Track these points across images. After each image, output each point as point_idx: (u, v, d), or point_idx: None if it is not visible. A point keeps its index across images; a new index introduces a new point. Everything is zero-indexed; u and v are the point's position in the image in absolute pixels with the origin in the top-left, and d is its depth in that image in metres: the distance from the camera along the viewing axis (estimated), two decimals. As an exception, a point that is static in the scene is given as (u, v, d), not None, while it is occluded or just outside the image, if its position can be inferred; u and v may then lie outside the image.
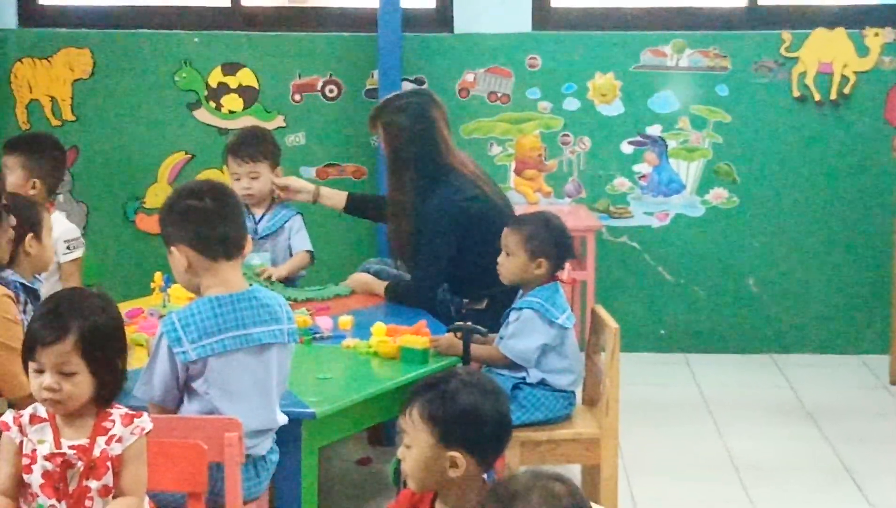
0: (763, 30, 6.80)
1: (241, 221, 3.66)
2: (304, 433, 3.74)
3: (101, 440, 3.02)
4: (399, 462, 4.12)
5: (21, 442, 3.01)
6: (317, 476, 3.84)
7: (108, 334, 3.05)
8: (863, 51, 6.73)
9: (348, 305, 4.95)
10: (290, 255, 5.33)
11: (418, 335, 4.25)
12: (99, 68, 6.85)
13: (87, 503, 3.01)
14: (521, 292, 4.46)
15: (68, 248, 5.10)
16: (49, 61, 6.85)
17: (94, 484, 3.00)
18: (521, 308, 4.38)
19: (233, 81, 6.86)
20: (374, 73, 6.75)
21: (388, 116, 5.08)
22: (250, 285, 3.65)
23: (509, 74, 6.80)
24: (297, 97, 6.85)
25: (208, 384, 3.49)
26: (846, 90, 6.74)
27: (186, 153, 6.89)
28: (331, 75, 6.83)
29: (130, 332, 4.26)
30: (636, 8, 6.96)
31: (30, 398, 3.15)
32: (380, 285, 5.09)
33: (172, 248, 3.57)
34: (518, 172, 6.72)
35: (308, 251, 5.33)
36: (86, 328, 2.99)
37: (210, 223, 3.55)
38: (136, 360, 3.91)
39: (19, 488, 3.02)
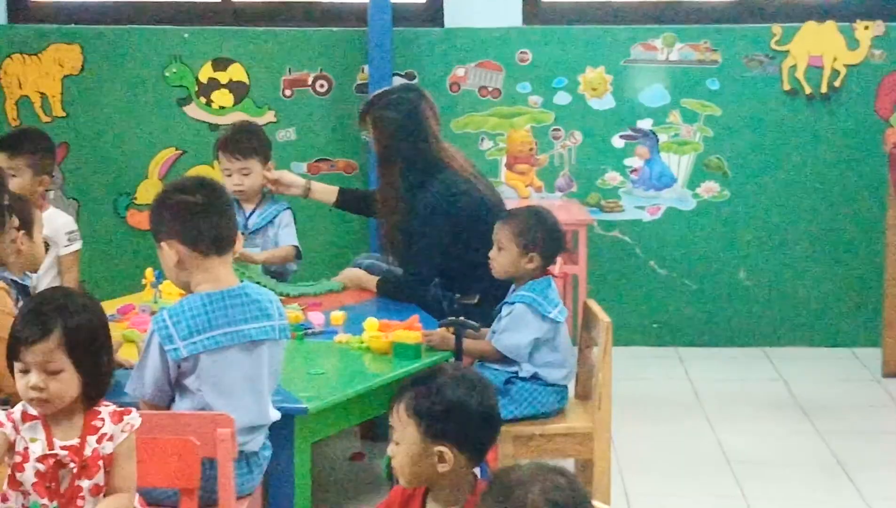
0: (753, 23, 6.81)
1: (231, 217, 3.65)
2: (297, 428, 3.74)
3: (91, 440, 3.01)
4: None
5: (14, 440, 3.00)
6: (310, 472, 3.84)
7: (93, 331, 3.04)
8: (853, 44, 6.73)
9: (340, 300, 4.95)
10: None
11: (410, 330, 4.25)
12: (89, 64, 6.84)
13: (80, 502, 3.00)
14: (513, 286, 4.46)
15: (69, 240, 5.13)
16: (39, 57, 6.84)
17: (85, 484, 3.00)
18: (513, 303, 4.38)
19: (223, 77, 6.85)
20: (364, 68, 6.74)
21: (378, 112, 5.08)
22: (241, 281, 3.64)
23: (500, 69, 6.79)
24: (288, 92, 6.84)
25: (200, 381, 3.49)
26: (836, 83, 6.75)
27: (177, 149, 6.88)
28: (321, 70, 6.82)
29: (122, 328, 4.27)
30: (626, 2, 6.96)
31: None
32: (371, 281, 5.09)
33: (163, 243, 3.57)
34: (509, 167, 6.72)
35: (294, 247, 5.32)
36: (70, 326, 2.98)
37: (201, 219, 3.54)
38: (128, 355, 3.91)
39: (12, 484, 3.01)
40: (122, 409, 3.08)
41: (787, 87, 6.76)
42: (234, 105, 6.85)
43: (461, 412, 2.86)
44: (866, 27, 6.71)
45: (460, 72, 6.80)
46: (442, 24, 6.83)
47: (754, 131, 6.80)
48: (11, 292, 4.07)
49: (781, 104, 6.78)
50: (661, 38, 6.77)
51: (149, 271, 4.90)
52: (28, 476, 2.99)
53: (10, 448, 3.00)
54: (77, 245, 5.16)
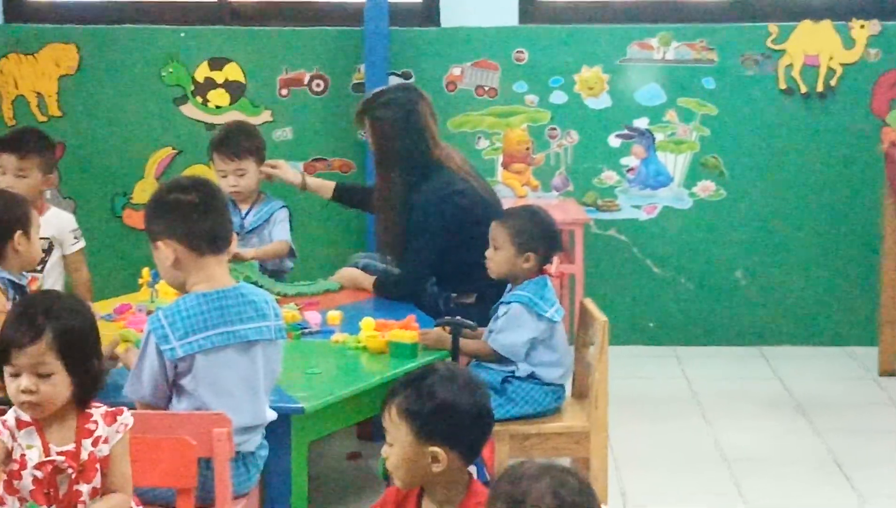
0: (749, 22, 6.81)
1: (227, 216, 3.65)
2: (294, 428, 3.74)
3: (86, 443, 3.01)
4: (388, 456, 4.13)
5: (11, 447, 2.99)
6: (306, 471, 3.84)
7: (83, 333, 3.04)
8: (849, 43, 6.74)
9: (337, 300, 4.95)
10: None
11: (407, 330, 4.25)
12: (85, 64, 6.84)
13: (80, 507, 2.99)
14: (509, 286, 4.46)
15: (75, 239, 5.18)
16: (35, 57, 6.83)
17: (84, 488, 2.99)
18: (509, 303, 4.38)
19: (219, 76, 6.84)
20: (360, 67, 6.74)
21: (374, 111, 5.08)
22: (238, 281, 3.64)
23: (496, 68, 6.79)
24: (284, 92, 6.84)
25: (196, 381, 3.48)
26: (832, 82, 6.75)
27: (173, 149, 6.88)
28: (317, 70, 6.82)
29: (119, 328, 4.26)
30: (623, 1, 6.97)
31: None
32: (368, 280, 5.09)
33: (159, 243, 3.56)
34: (505, 166, 6.72)
35: (286, 243, 5.31)
36: (60, 328, 2.98)
37: (197, 217, 3.54)
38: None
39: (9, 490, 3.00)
40: (113, 409, 3.08)
41: (783, 86, 6.76)
42: (230, 105, 6.85)
43: (453, 413, 2.85)
44: (862, 26, 6.71)
45: (456, 71, 6.80)
46: (438, 24, 6.83)
47: (751, 130, 6.80)
48: (9, 292, 4.07)
49: (778, 103, 6.78)
50: (657, 37, 6.77)
51: (145, 271, 4.90)
52: (26, 482, 2.97)
53: (7, 455, 2.99)
54: (82, 243, 5.23)
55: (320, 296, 5.00)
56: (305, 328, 4.45)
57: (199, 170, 6.56)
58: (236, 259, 4.98)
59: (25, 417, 3.01)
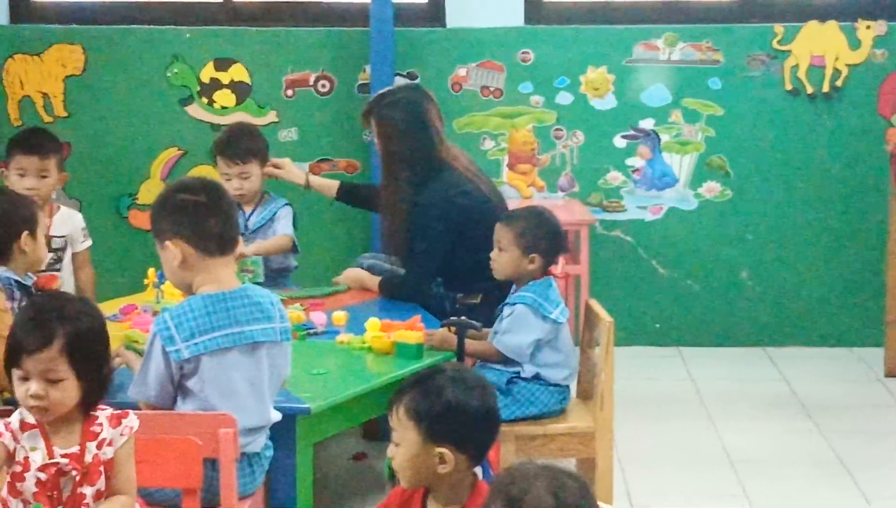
0: (755, 23, 6.81)
1: (234, 218, 3.66)
2: (299, 428, 3.74)
3: (91, 446, 3.00)
4: (393, 457, 4.13)
5: (14, 449, 2.98)
6: (311, 472, 3.84)
7: (94, 338, 3.02)
8: (855, 44, 6.73)
9: (342, 300, 4.95)
10: None
11: (412, 330, 4.25)
12: (91, 65, 6.84)
13: None
14: (514, 287, 4.46)
15: (84, 237, 5.24)
16: (41, 58, 6.84)
17: (88, 490, 2.98)
18: (514, 304, 4.38)
19: (225, 77, 6.85)
20: (366, 67, 6.74)
21: (380, 112, 5.08)
22: (242, 282, 3.65)
23: (502, 69, 6.79)
24: (290, 92, 6.84)
25: (202, 382, 3.48)
26: (838, 83, 6.75)
27: (179, 149, 6.89)
28: (323, 70, 6.82)
29: (124, 328, 4.27)
30: (628, 1, 6.96)
31: None
32: (373, 281, 5.09)
33: (167, 242, 3.56)
34: (511, 167, 6.72)
35: (288, 237, 5.31)
36: (71, 334, 2.96)
37: (206, 218, 3.54)
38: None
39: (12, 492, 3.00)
40: (119, 412, 3.07)
41: (788, 86, 6.76)
42: (235, 105, 6.85)
43: (460, 414, 2.85)
44: (868, 27, 6.71)
45: (462, 72, 6.80)
46: (444, 24, 6.83)
47: (756, 131, 6.80)
48: (15, 292, 4.08)
49: (783, 104, 6.78)
50: (662, 37, 6.77)
51: (151, 272, 4.90)
52: (29, 485, 2.96)
53: (10, 457, 2.97)
54: (89, 241, 5.29)
55: (326, 297, 5.00)
56: (311, 329, 4.46)
57: (204, 170, 6.55)
58: (238, 257, 4.98)
59: (30, 419, 3.00)
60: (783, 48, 6.75)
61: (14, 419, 3.01)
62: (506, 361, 4.37)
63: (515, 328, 4.34)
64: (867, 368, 6.48)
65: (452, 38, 6.80)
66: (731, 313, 6.89)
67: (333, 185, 5.53)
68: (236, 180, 5.27)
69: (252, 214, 5.34)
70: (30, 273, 4.30)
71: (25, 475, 2.97)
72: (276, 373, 3.62)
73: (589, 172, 6.84)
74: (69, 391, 2.96)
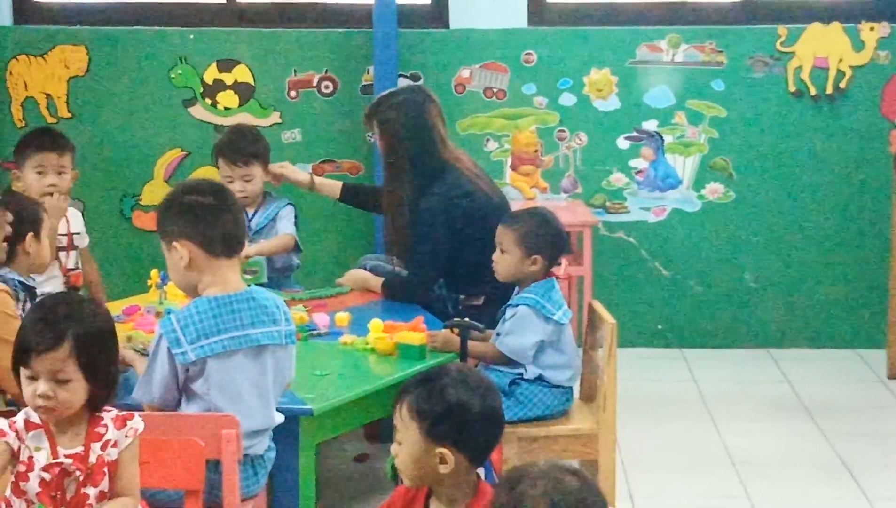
0: (758, 24, 6.80)
1: (241, 221, 3.66)
2: (302, 429, 3.74)
3: (95, 447, 3.00)
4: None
5: (18, 448, 2.98)
6: (314, 473, 3.84)
7: (103, 340, 3.03)
8: (858, 45, 6.73)
9: (345, 301, 4.95)
10: None
11: (415, 332, 4.26)
12: (94, 65, 6.84)
13: None
14: (517, 288, 4.46)
15: (85, 233, 5.34)
16: (44, 59, 6.84)
17: (91, 491, 2.99)
18: (516, 305, 4.38)
19: (228, 78, 6.85)
20: (369, 69, 6.74)
21: (383, 113, 5.08)
22: (248, 285, 3.65)
23: (505, 70, 6.79)
24: (293, 94, 6.85)
25: (208, 385, 3.49)
26: (842, 85, 6.74)
27: (182, 150, 6.89)
28: (326, 71, 6.82)
29: (127, 329, 4.27)
30: (631, 3, 6.96)
31: None
32: (376, 282, 5.10)
33: (175, 244, 3.56)
34: (514, 168, 6.72)
35: (290, 236, 5.32)
36: (81, 335, 2.96)
37: (213, 219, 3.55)
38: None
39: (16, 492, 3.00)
40: (124, 414, 3.07)
41: (792, 88, 6.76)
42: (239, 106, 6.86)
43: (463, 414, 2.86)
44: (872, 28, 6.71)
45: (465, 73, 6.80)
46: (447, 26, 6.83)
47: (760, 133, 6.80)
48: (19, 293, 4.08)
49: (787, 106, 6.78)
50: (666, 39, 6.77)
51: (154, 272, 4.90)
52: (32, 485, 2.97)
53: (14, 456, 2.98)
54: (88, 237, 5.40)
55: (329, 298, 5.00)
56: (314, 330, 4.46)
57: (207, 171, 6.56)
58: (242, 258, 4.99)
59: (35, 419, 3.01)
60: (787, 50, 6.74)
61: (19, 418, 3.02)
62: (509, 362, 4.37)
63: (518, 330, 4.34)
64: (870, 370, 6.48)
65: (456, 39, 6.80)
66: (733, 315, 6.88)
67: (337, 186, 5.54)
68: (238, 183, 5.27)
69: (254, 215, 5.35)
70: (31, 275, 4.31)
71: (29, 474, 2.97)
72: (281, 376, 3.63)
73: (592, 174, 6.84)
74: (77, 392, 2.97)
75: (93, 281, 5.32)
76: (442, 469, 2.85)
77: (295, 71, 6.84)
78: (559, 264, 4.53)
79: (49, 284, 4.97)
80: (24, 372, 2.98)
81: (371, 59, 6.67)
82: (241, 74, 6.85)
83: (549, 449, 4.35)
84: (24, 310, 3.97)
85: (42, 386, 2.94)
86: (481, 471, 3.67)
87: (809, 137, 6.78)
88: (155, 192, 6.83)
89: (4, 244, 4.13)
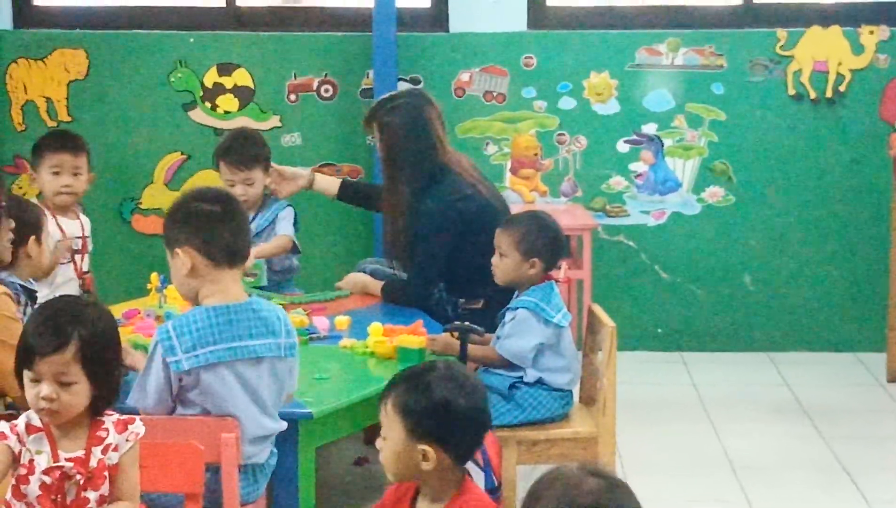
0: (758, 28, 6.81)
1: (246, 231, 3.64)
2: (301, 433, 3.74)
3: (96, 451, 3.00)
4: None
5: (20, 452, 2.98)
6: (314, 476, 3.84)
7: (107, 343, 3.03)
8: (858, 49, 6.73)
9: (345, 305, 4.95)
10: None
11: (415, 335, 4.26)
12: (94, 69, 6.85)
13: None
14: (516, 292, 4.46)
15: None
16: (44, 62, 6.85)
17: (92, 495, 2.99)
18: (515, 308, 4.38)
19: (228, 82, 6.85)
20: (369, 72, 6.75)
21: (383, 117, 5.08)
22: (249, 295, 3.63)
23: (505, 74, 6.80)
24: (293, 97, 6.85)
25: (203, 395, 3.47)
26: (841, 88, 6.75)
27: (182, 154, 6.89)
28: (326, 75, 6.83)
29: (127, 333, 4.27)
30: (631, 7, 6.97)
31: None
32: (376, 285, 5.09)
33: (178, 250, 3.54)
34: (514, 172, 6.72)
35: (288, 237, 5.32)
36: (86, 337, 2.96)
37: (218, 228, 3.52)
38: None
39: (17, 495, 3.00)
40: (125, 418, 3.07)
41: (791, 91, 6.76)
42: (239, 110, 6.86)
43: (447, 413, 2.87)
44: (871, 32, 6.71)
45: (465, 77, 6.80)
46: (447, 29, 6.83)
47: (759, 136, 6.80)
48: (20, 297, 4.08)
49: (786, 109, 6.78)
50: (665, 42, 6.77)
51: (154, 276, 4.90)
52: (33, 488, 2.96)
53: (15, 460, 2.98)
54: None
55: (328, 301, 5.00)
56: (313, 334, 4.46)
57: (208, 175, 6.56)
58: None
59: (36, 422, 3.01)
60: (786, 53, 6.75)
61: (20, 422, 3.02)
62: (508, 366, 4.37)
63: (517, 333, 4.34)
64: (869, 373, 6.48)
65: (455, 42, 6.80)
66: (733, 319, 6.89)
67: (335, 183, 5.53)
68: (240, 187, 5.27)
69: (255, 218, 5.34)
70: (31, 279, 4.31)
71: (30, 478, 2.97)
72: (279, 387, 3.59)
73: (592, 177, 6.84)
74: (80, 395, 2.97)
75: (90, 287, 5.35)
76: (424, 465, 2.86)
77: (295, 74, 6.84)
78: (558, 268, 4.53)
79: (66, 286, 5.00)
80: (27, 375, 2.98)
81: (371, 62, 6.68)
82: (241, 77, 6.85)
83: (549, 453, 4.34)
84: (25, 314, 3.97)
85: (46, 389, 2.94)
86: (479, 473, 3.68)
87: (809, 140, 6.79)
88: (155, 196, 6.84)
89: (10, 245, 4.14)
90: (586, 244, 6.28)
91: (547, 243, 4.40)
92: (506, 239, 4.41)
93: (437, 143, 5.04)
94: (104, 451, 3.00)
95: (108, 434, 3.02)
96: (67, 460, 2.98)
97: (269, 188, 5.42)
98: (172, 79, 6.85)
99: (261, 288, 5.03)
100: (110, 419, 3.05)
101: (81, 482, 2.97)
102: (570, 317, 4.44)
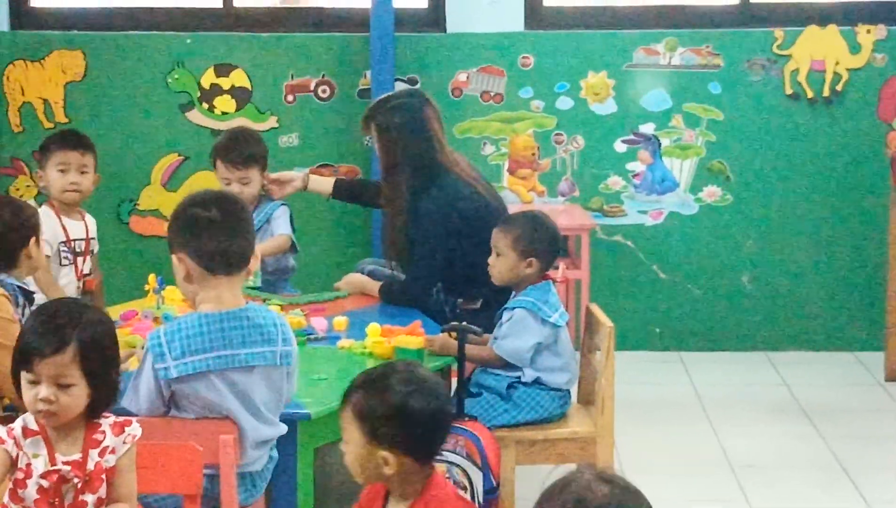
0: (755, 27, 6.81)
1: (248, 237, 3.56)
2: (300, 434, 3.73)
3: (93, 454, 2.99)
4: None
5: (17, 456, 2.97)
6: (312, 477, 3.83)
7: (105, 345, 3.02)
8: (855, 48, 6.74)
9: (343, 305, 4.95)
10: None
11: (413, 336, 4.25)
12: (91, 70, 6.85)
13: None
14: (513, 292, 4.46)
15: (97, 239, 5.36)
16: (41, 64, 6.84)
17: (90, 498, 2.98)
18: (513, 308, 4.38)
19: (225, 83, 6.85)
20: (366, 73, 6.74)
21: (381, 117, 5.07)
22: (247, 301, 3.60)
23: (502, 74, 6.80)
24: (290, 98, 6.85)
25: (194, 403, 3.44)
26: (839, 87, 6.75)
27: (180, 155, 6.89)
28: (324, 76, 6.83)
29: (125, 334, 4.26)
30: (628, 6, 6.97)
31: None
32: (374, 286, 5.09)
33: (174, 256, 3.53)
34: (512, 172, 6.72)
35: (286, 236, 5.31)
36: (85, 340, 2.95)
37: (213, 236, 3.46)
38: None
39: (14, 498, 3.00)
40: (122, 420, 3.06)
41: (789, 91, 6.76)
42: (236, 111, 6.86)
43: (403, 417, 2.84)
44: (868, 31, 6.71)
45: (462, 77, 6.80)
46: (444, 30, 6.83)
47: (757, 136, 6.80)
48: (19, 298, 4.08)
49: (784, 108, 6.78)
50: (663, 42, 6.77)
51: (151, 277, 4.89)
52: (31, 492, 2.95)
53: (13, 464, 2.97)
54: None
55: (327, 302, 5.00)
56: (311, 334, 4.45)
57: (205, 176, 6.56)
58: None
59: (33, 425, 3.00)
60: (783, 53, 6.75)
61: (17, 425, 3.01)
62: (506, 366, 4.37)
63: (515, 333, 4.33)
64: (868, 372, 6.48)
65: (453, 43, 6.80)
66: (731, 318, 6.89)
67: (329, 182, 5.53)
68: (237, 185, 5.26)
69: (250, 217, 5.33)
70: (25, 280, 4.31)
71: (27, 481, 2.96)
72: (276, 394, 3.55)
73: (589, 177, 6.84)
74: (79, 397, 2.96)
75: (97, 287, 5.34)
76: (386, 470, 2.85)
77: (292, 75, 6.84)
78: (555, 267, 4.52)
79: (65, 289, 5.00)
80: (25, 377, 2.97)
81: (368, 63, 6.68)
82: (239, 78, 6.85)
83: (548, 453, 4.34)
84: (22, 315, 3.96)
85: (44, 390, 2.93)
86: (479, 475, 3.68)
87: (806, 139, 6.79)
88: (152, 197, 6.84)
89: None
90: (584, 244, 6.28)
91: (544, 242, 4.40)
92: (503, 239, 4.40)
93: (435, 143, 5.03)
94: (101, 454, 3.00)
95: (104, 437, 3.01)
96: (65, 463, 2.97)
97: (264, 189, 5.42)
98: (170, 80, 6.84)
99: (256, 289, 5.02)
100: (107, 421, 3.04)
101: (79, 485, 2.97)
102: (567, 317, 4.43)
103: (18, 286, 4.14)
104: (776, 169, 6.81)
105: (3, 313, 3.76)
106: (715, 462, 5.26)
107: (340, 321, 4.57)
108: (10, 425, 3.02)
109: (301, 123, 6.86)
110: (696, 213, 6.86)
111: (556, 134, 6.83)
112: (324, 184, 5.53)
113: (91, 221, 5.33)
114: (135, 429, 3.05)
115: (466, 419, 4.17)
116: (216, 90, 6.85)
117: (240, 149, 5.31)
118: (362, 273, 5.25)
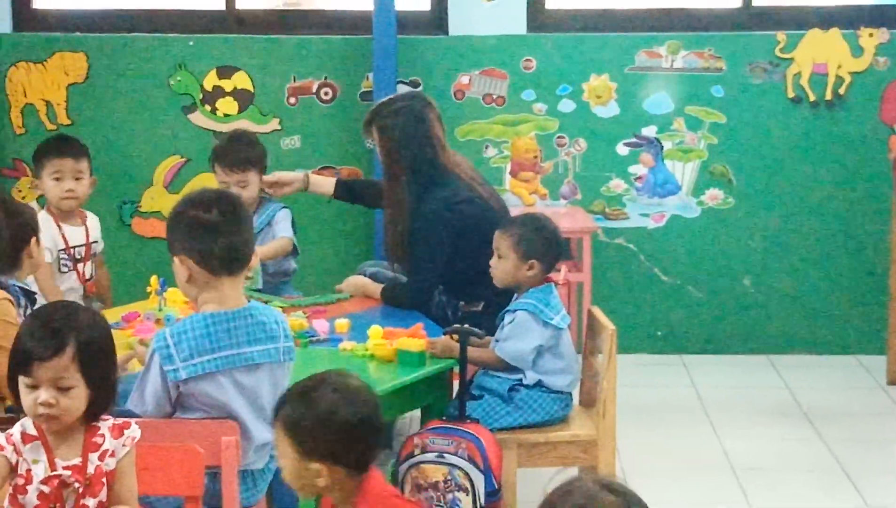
0: (758, 31, 6.81)
1: (248, 236, 3.59)
2: (301, 435, 3.73)
3: (93, 457, 2.98)
4: (395, 464, 4.13)
5: (16, 462, 2.96)
6: (314, 480, 3.83)
7: (104, 347, 3.02)
8: (857, 51, 6.73)
9: (345, 308, 4.95)
10: None
11: (415, 338, 4.26)
12: (94, 72, 6.85)
13: None
14: (515, 294, 4.46)
15: (100, 238, 5.39)
16: (44, 65, 6.84)
17: (91, 502, 2.97)
18: (515, 310, 4.38)
19: (228, 85, 6.85)
20: (369, 75, 6.74)
21: (382, 120, 5.08)
22: (248, 300, 3.61)
23: (504, 76, 6.80)
24: (293, 100, 6.85)
25: (201, 401, 3.46)
26: (841, 91, 6.75)
27: (182, 157, 6.89)
28: (326, 78, 6.83)
29: (127, 336, 4.27)
30: (631, 9, 6.97)
31: None
32: (376, 288, 5.09)
33: (175, 258, 3.54)
34: (513, 175, 6.72)
35: (288, 239, 5.31)
36: (83, 342, 2.95)
37: (214, 237, 3.48)
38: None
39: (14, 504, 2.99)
40: (121, 422, 3.05)
41: (791, 94, 6.76)
42: (238, 113, 6.86)
43: (331, 429, 2.82)
44: (871, 34, 6.71)
45: (465, 79, 6.80)
46: (446, 32, 6.83)
47: (759, 139, 6.80)
48: (20, 300, 4.08)
49: (786, 112, 6.78)
50: (665, 45, 6.77)
51: (153, 279, 4.89)
52: (31, 498, 2.94)
53: (13, 470, 2.96)
54: (102, 242, 5.45)
55: (328, 304, 5.00)
56: (313, 337, 4.45)
57: (207, 178, 6.55)
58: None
59: (32, 430, 2.98)
60: (786, 56, 6.75)
61: (16, 431, 2.99)
62: (508, 368, 4.37)
63: (517, 335, 4.34)
64: (870, 376, 6.47)
65: (455, 46, 6.80)
66: (733, 321, 6.88)
67: (330, 183, 5.54)
68: (235, 188, 5.26)
69: (251, 220, 5.34)
70: (26, 280, 4.32)
71: (28, 487, 2.95)
72: (278, 391, 3.57)
73: (591, 180, 6.84)
74: (78, 400, 2.95)
75: (104, 286, 5.37)
76: (319, 482, 2.83)
77: (294, 78, 6.84)
78: (557, 270, 4.53)
79: (68, 295, 5.00)
80: (24, 381, 2.95)
81: (370, 65, 6.67)
82: (241, 80, 6.85)
83: (549, 456, 4.34)
84: (24, 316, 3.96)
85: (44, 394, 2.92)
86: (479, 476, 3.68)
87: (808, 143, 6.79)
88: (154, 198, 6.84)
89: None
90: (586, 247, 6.27)
91: (545, 245, 4.40)
92: (504, 241, 4.41)
93: (437, 146, 5.04)
94: (101, 457, 2.99)
95: (104, 440, 3.00)
96: (65, 468, 2.95)
97: (264, 191, 5.42)
98: (172, 82, 6.84)
99: (256, 291, 5.02)
100: (105, 424, 3.03)
101: (80, 489, 2.95)
102: (569, 319, 4.44)
103: (20, 288, 4.15)
104: (778, 172, 6.81)
105: (5, 316, 3.76)
106: (717, 465, 5.25)
107: (342, 324, 4.57)
108: (9, 430, 3.00)
109: (303, 125, 6.86)
110: (698, 216, 6.86)
111: (559, 137, 6.82)
112: (325, 184, 5.53)
113: (93, 222, 5.33)
114: (134, 431, 3.04)
115: (468, 421, 4.18)
116: (218, 92, 6.85)
117: (237, 152, 5.32)
118: (364, 275, 5.26)
